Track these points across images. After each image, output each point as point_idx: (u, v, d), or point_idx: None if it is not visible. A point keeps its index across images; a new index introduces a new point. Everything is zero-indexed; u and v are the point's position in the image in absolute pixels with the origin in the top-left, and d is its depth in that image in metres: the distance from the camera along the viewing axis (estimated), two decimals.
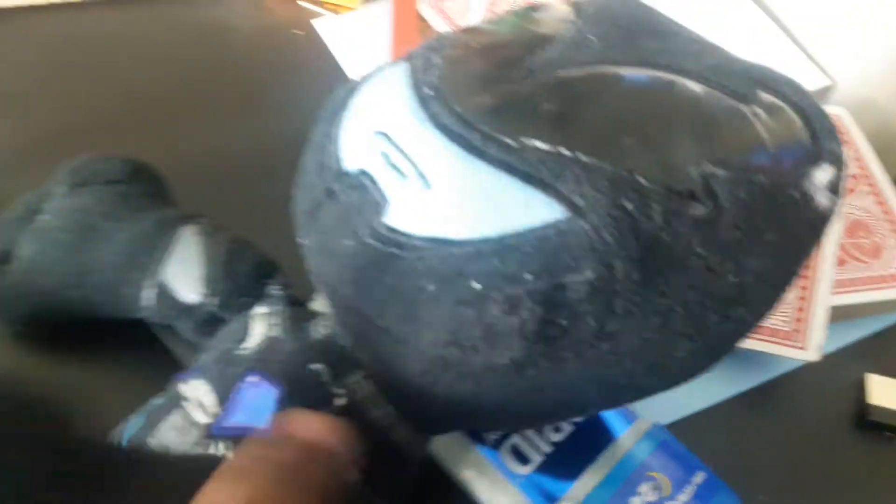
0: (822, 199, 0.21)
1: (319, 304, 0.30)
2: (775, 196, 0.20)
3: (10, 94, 0.45)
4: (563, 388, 0.21)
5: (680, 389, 0.35)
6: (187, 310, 0.29)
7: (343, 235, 0.22)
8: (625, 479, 0.29)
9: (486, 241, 0.19)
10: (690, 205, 0.19)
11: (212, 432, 0.24)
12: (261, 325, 0.28)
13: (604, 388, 0.22)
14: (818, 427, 0.35)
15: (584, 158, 0.19)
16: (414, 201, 0.21)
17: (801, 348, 0.34)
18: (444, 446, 0.30)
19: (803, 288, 0.36)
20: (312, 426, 0.22)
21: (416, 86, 0.23)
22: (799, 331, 0.35)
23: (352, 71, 0.50)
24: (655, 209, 0.19)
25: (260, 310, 0.29)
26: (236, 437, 0.23)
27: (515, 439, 0.30)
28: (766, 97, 0.22)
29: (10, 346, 0.33)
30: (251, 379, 0.25)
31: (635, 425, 0.31)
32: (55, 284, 0.30)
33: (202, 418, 0.24)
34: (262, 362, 0.26)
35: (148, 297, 0.29)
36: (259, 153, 0.43)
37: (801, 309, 0.35)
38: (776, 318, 0.36)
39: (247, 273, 0.30)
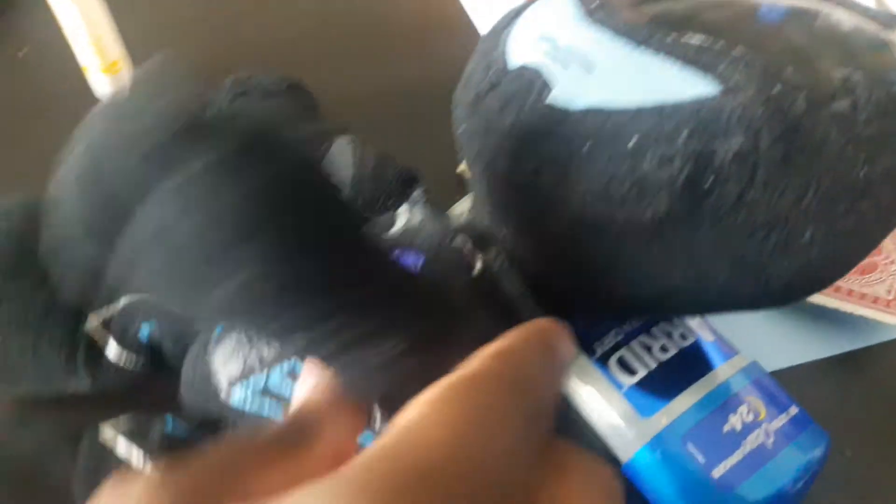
0: None
1: (459, 206, 0.33)
2: None
3: (175, 23, 0.50)
4: (694, 261, 0.23)
5: (779, 344, 0.37)
6: None
7: (505, 115, 0.25)
8: (722, 401, 0.31)
9: (644, 108, 0.22)
10: (831, 99, 0.21)
11: None
12: (404, 217, 0.31)
13: (732, 267, 0.23)
14: None
15: (738, 52, 0.22)
16: (576, 83, 0.23)
17: None
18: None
19: None
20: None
21: (583, 2, 0.25)
22: None
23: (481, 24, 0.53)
24: (800, 97, 0.21)
25: (403, 208, 0.32)
26: None
27: (624, 352, 0.32)
28: None
29: None
30: (396, 252, 0.28)
31: (734, 360, 0.33)
32: None
33: None
34: (406, 240, 0.28)
35: None
36: (391, 93, 0.47)
37: None
38: (878, 287, 0.37)
39: (391, 180, 0.33)
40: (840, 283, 0.38)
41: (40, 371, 0.27)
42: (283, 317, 0.17)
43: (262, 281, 0.16)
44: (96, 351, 0.27)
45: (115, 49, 0.47)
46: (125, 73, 0.48)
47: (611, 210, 0.22)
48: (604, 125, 0.22)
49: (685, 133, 0.21)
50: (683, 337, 0.33)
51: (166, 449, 0.24)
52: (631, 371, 0.32)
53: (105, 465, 0.24)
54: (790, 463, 0.29)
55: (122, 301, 0.29)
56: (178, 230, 0.16)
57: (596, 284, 0.26)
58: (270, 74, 0.39)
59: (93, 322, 0.27)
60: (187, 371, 0.27)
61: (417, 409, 0.14)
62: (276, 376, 0.26)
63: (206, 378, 0.26)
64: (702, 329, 0.33)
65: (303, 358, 0.21)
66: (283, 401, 0.26)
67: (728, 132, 0.20)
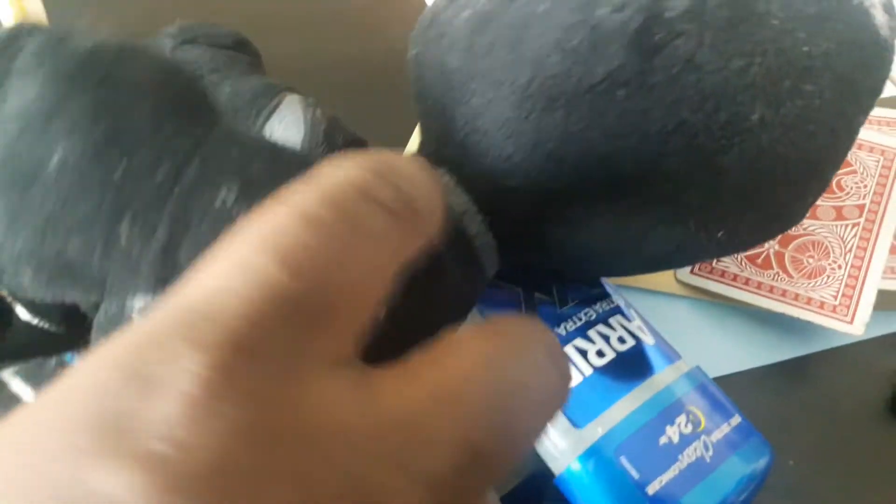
0: (878, 14, 0.24)
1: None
2: None
3: None
4: (646, 136, 0.22)
5: (722, 349, 0.36)
6: None
7: (461, 14, 0.24)
8: (662, 409, 0.29)
9: None
10: None
11: None
12: None
13: (685, 150, 0.22)
14: (852, 406, 0.35)
15: None
16: None
17: (847, 322, 0.35)
18: None
19: (855, 267, 0.36)
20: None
21: None
22: (846, 305, 0.35)
23: None
24: None
25: None
26: None
27: None
28: None
29: None
30: None
31: (676, 365, 0.31)
32: None
33: None
34: None
35: None
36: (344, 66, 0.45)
37: (850, 286, 0.36)
38: (825, 292, 0.36)
39: (342, 144, 0.32)
40: (787, 287, 0.36)
41: None
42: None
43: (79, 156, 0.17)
44: (5, 315, 0.25)
45: None
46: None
47: (563, 67, 0.22)
48: None
49: None
50: (622, 340, 0.31)
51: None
52: None
53: None
54: (732, 474, 0.28)
55: None
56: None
57: (543, 182, 0.24)
58: (218, 26, 0.36)
59: None
60: (100, 313, 0.25)
61: None
62: None
63: (119, 316, 0.24)
64: (642, 332, 0.31)
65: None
66: None
67: None
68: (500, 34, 0.23)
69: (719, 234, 0.25)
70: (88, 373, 0.11)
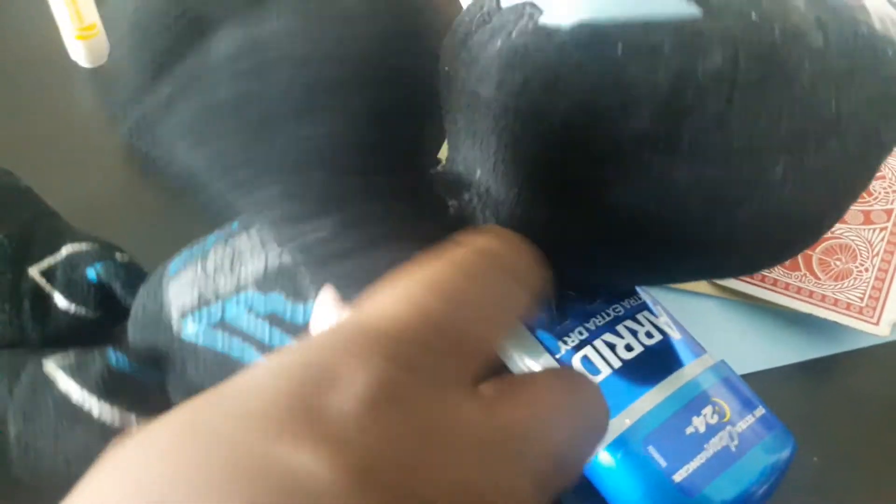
0: None
1: None
2: (876, 46, 0.23)
3: None
4: (669, 192, 0.23)
5: (749, 347, 0.37)
6: None
7: (493, 42, 0.24)
8: (688, 401, 0.30)
9: (632, 21, 0.22)
10: (804, 34, 0.22)
11: None
12: None
13: (705, 202, 0.23)
14: (877, 406, 0.36)
15: None
16: (566, 5, 0.23)
17: (873, 323, 0.35)
18: (515, 345, 0.32)
19: (882, 270, 0.37)
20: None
21: None
22: (872, 307, 0.36)
23: None
24: (776, 26, 0.21)
25: None
26: None
27: (588, 350, 0.31)
28: None
29: None
30: None
31: (702, 359, 0.32)
32: None
33: None
34: None
35: None
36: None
37: (876, 288, 0.36)
38: (851, 294, 0.36)
39: None
40: (814, 288, 0.37)
41: None
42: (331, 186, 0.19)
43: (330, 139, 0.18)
44: (44, 302, 0.27)
45: (91, 12, 0.46)
46: (101, 37, 0.47)
47: (594, 125, 0.22)
48: (593, 37, 0.22)
49: (668, 47, 0.21)
50: (649, 335, 0.32)
51: (108, 382, 0.24)
52: (595, 370, 0.31)
53: (44, 397, 0.24)
54: (755, 465, 0.28)
55: (65, 250, 0.28)
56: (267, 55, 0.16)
57: (569, 220, 0.25)
58: None
59: (33, 274, 0.27)
60: (136, 307, 0.26)
61: (384, 289, 0.16)
62: (233, 309, 0.25)
63: (157, 312, 0.25)
64: (669, 328, 0.32)
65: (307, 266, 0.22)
66: (239, 334, 0.25)
67: (708, 51, 0.21)
68: (533, 75, 0.23)
69: (734, 264, 0.27)
70: (277, 371, 0.13)
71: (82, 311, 0.27)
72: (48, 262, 0.27)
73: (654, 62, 0.21)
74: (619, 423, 0.30)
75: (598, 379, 0.31)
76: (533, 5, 0.24)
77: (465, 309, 0.16)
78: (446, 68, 0.27)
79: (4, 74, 0.48)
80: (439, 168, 0.29)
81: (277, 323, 0.25)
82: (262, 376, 0.13)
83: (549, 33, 0.23)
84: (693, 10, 0.21)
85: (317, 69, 0.20)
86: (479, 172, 0.27)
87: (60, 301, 0.27)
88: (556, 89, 0.23)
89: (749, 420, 0.30)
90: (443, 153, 0.42)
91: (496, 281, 0.17)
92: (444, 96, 0.28)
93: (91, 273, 0.27)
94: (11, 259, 0.27)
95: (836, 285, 0.37)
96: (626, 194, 0.23)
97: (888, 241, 0.38)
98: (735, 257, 0.26)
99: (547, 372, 0.18)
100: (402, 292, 0.15)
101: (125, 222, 0.37)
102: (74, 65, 0.48)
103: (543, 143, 0.24)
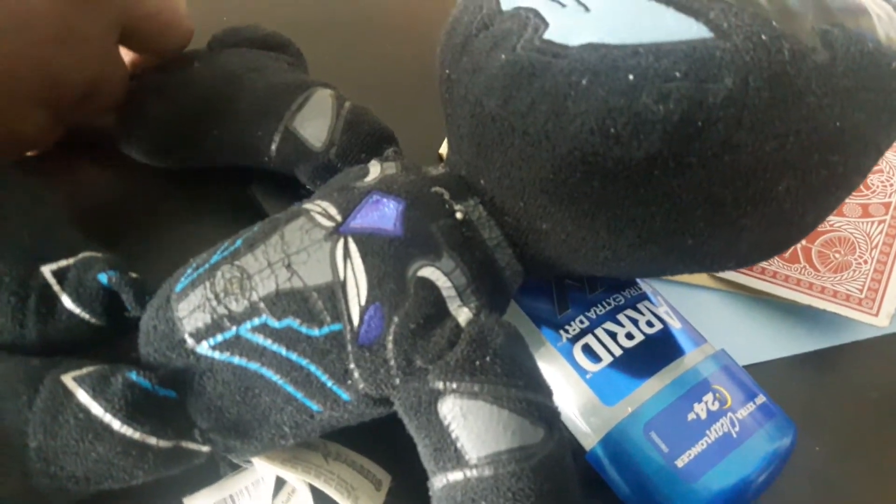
0: None
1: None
2: (880, 62, 0.23)
3: None
4: (675, 208, 0.23)
5: (750, 339, 0.37)
6: (309, 155, 0.32)
7: (496, 53, 0.24)
8: (689, 388, 0.30)
9: (642, 44, 0.22)
10: (812, 51, 0.22)
11: (339, 230, 0.25)
12: (377, 168, 0.30)
13: (710, 217, 0.23)
14: (877, 396, 0.36)
15: (731, 1, 0.22)
16: (574, 20, 0.23)
17: (872, 315, 0.35)
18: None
19: (881, 262, 0.37)
20: None
21: None
22: (871, 299, 0.36)
23: None
24: (785, 46, 0.21)
25: (374, 161, 0.31)
26: (363, 235, 0.25)
27: (589, 339, 0.32)
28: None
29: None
30: (375, 196, 0.27)
31: (702, 347, 0.32)
32: (195, 123, 0.33)
33: (327, 223, 0.26)
34: (384, 186, 0.28)
35: (276, 141, 0.32)
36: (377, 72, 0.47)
37: (875, 280, 0.36)
38: (851, 286, 0.36)
39: (366, 132, 0.33)
40: (814, 280, 0.37)
41: None
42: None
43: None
44: (50, 301, 0.27)
45: None
46: None
47: (604, 147, 0.22)
48: (604, 59, 0.22)
49: (680, 73, 0.21)
50: (650, 325, 0.32)
51: (129, 397, 0.23)
52: (596, 358, 0.31)
53: (64, 411, 0.24)
54: (756, 452, 0.28)
55: (82, 255, 0.28)
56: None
57: (576, 231, 0.26)
58: (259, 28, 0.38)
59: (45, 272, 0.26)
60: (147, 327, 0.26)
61: None
62: (247, 333, 0.25)
63: (169, 332, 0.25)
64: (669, 317, 0.32)
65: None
66: (257, 350, 0.25)
67: (720, 73, 0.21)
68: (541, 97, 0.23)
69: (729, 265, 0.27)
70: None
71: (87, 315, 0.27)
72: (62, 263, 0.27)
73: (666, 89, 0.21)
74: (620, 411, 0.30)
75: (599, 367, 0.31)
76: (537, 14, 0.24)
77: None
78: (447, 72, 0.27)
79: None
80: (440, 168, 0.29)
81: (293, 343, 0.25)
82: None
83: (556, 53, 0.23)
84: (704, 33, 0.21)
85: None
86: (483, 181, 0.27)
87: (67, 302, 0.27)
88: (565, 114, 0.22)
89: (750, 407, 0.30)
90: (443, 151, 0.42)
91: None
92: (445, 99, 0.28)
93: (103, 277, 0.26)
94: (27, 252, 0.27)
95: (835, 277, 0.37)
96: (632, 209, 0.23)
97: (886, 234, 0.38)
98: (732, 258, 0.27)
99: None
100: None
101: (126, 230, 0.37)
102: None
103: (551, 163, 0.23)
